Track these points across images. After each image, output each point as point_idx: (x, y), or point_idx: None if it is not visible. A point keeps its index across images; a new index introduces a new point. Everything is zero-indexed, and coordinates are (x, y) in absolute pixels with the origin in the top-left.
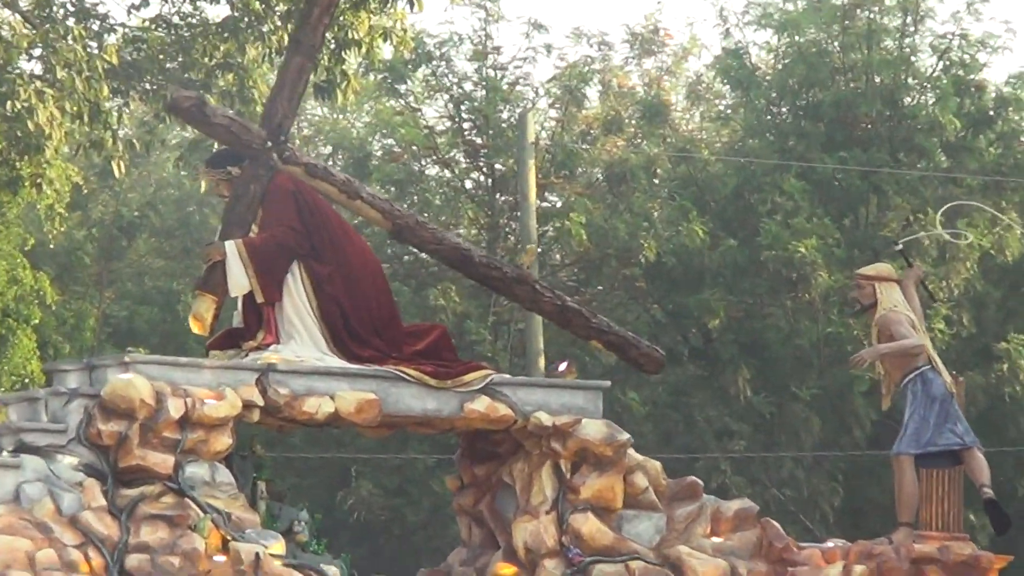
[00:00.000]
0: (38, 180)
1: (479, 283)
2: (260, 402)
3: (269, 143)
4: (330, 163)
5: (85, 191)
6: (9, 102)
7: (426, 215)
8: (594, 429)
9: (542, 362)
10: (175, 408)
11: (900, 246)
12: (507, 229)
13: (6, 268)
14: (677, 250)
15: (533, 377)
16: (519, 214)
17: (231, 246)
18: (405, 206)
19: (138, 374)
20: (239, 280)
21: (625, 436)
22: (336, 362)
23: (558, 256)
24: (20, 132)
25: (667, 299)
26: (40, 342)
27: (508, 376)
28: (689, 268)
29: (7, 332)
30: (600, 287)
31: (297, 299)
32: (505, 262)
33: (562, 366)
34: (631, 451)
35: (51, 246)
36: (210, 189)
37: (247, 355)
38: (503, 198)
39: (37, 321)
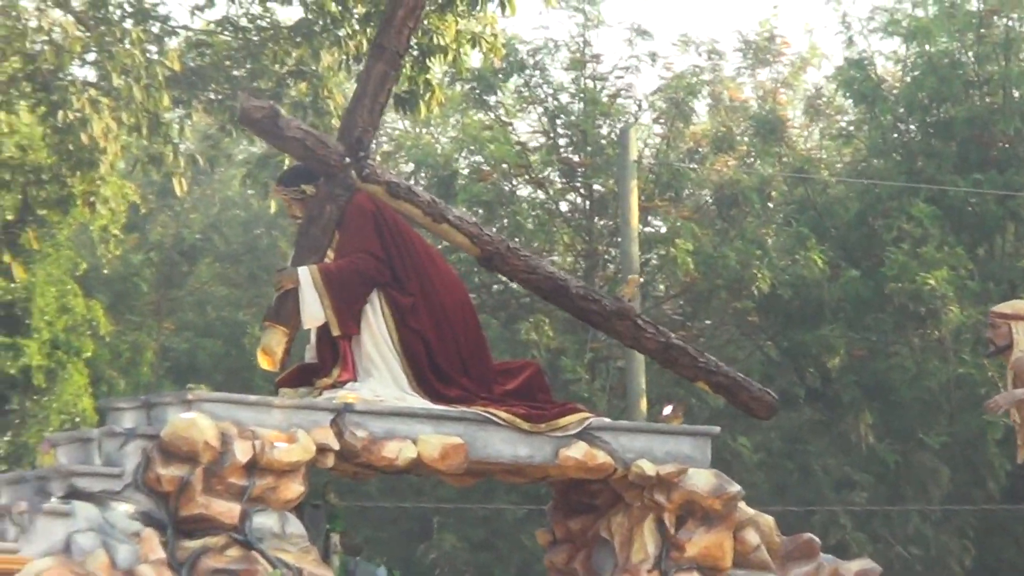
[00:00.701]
0: (91, 198)
1: (575, 317)
2: (335, 446)
3: (347, 159)
4: (412, 182)
5: (143, 211)
6: (61, 112)
7: (517, 240)
8: (702, 480)
9: (644, 404)
10: (242, 451)
11: None
12: (606, 256)
13: (56, 295)
14: (793, 281)
15: (635, 421)
16: (619, 240)
17: (305, 273)
18: (494, 230)
19: (202, 413)
20: (313, 311)
21: (736, 488)
22: (419, 402)
23: (662, 287)
24: (73, 145)
25: (782, 335)
26: (93, 377)
27: (608, 420)
28: (807, 301)
29: (57, 366)
30: (708, 321)
31: (377, 332)
32: (604, 294)
33: (667, 410)
34: (742, 504)
35: (105, 271)
36: (282, 209)
37: (321, 394)
38: (602, 222)
39: (89, 354)
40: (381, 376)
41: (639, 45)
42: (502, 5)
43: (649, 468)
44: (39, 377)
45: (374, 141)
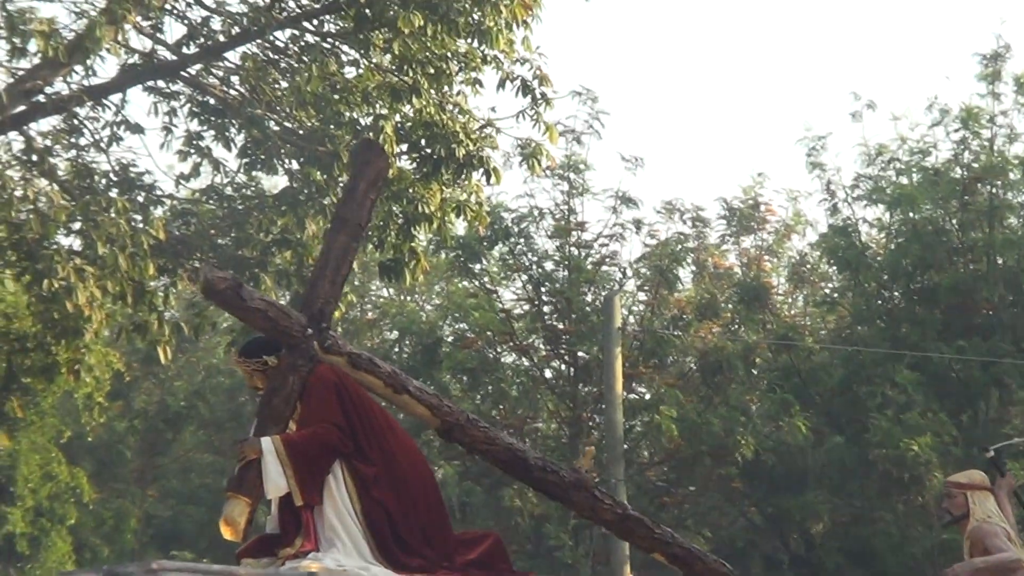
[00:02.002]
0: (76, 366)
1: (534, 488)
2: None
3: (310, 330)
4: (396, 349)
5: (127, 378)
6: (46, 280)
7: (502, 407)
8: None
9: (627, 570)
10: None
11: (991, 453)
12: (591, 423)
13: (40, 463)
14: (777, 447)
15: None
16: (604, 407)
17: (268, 443)
18: (479, 397)
19: None
20: (277, 481)
21: None
22: (382, 572)
23: (646, 453)
24: (57, 313)
25: (766, 502)
26: (76, 544)
27: None
28: (791, 468)
29: (40, 533)
30: (692, 488)
31: (340, 502)
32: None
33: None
34: None
35: (89, 439)
36: (245, 380)
37: (284, 564)
38: (586, 389)
39: (73, 521)
40: (344, 546)
41: (624, 213)
42: (487, 174)
43: None
44: (23, 544)
45: (358, 309)
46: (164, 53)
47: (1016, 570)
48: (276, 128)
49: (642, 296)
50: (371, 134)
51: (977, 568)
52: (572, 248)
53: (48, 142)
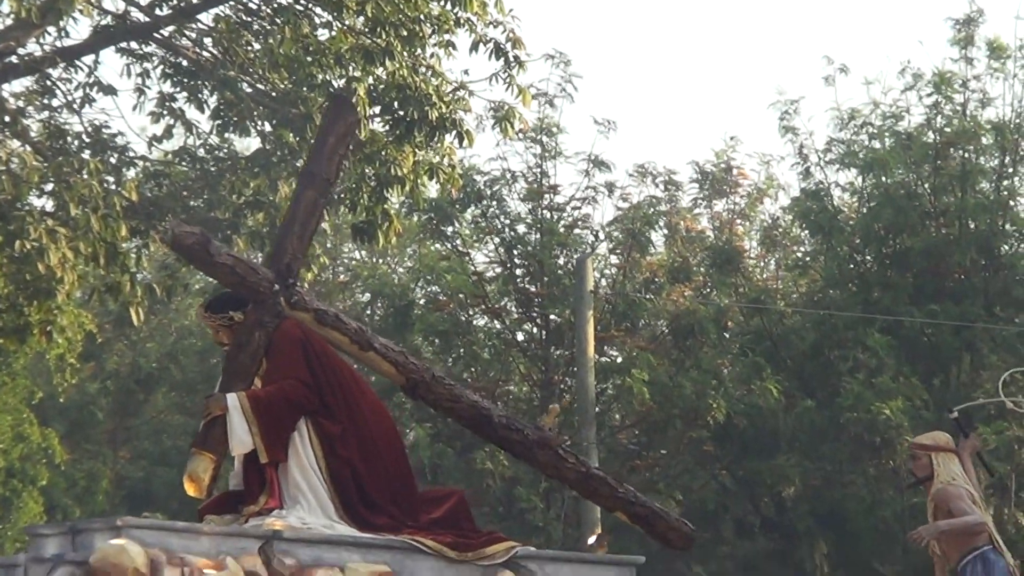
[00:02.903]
0: (48, 328)
1: (498, 446)
2: (264, 573)
3: (277, 286)
4: (368, 312)
5: (99, 340)
6: (18, 242)
7: (474, 370)
8: None
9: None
10: None
11: (955, 414)
12: (562, 386)
13: (11, 424)
14: (749, 411)
15: (560, 551)
16: (576, 370)
17: (233, 400)
18: (451, 360)
19: (130, 540)
20: (242, 438)
21: None
22: (346, 530)
23: (618, 416)
24: (29, 275)
25: (737, 465)
26: (48, 505)
27: (533, 549)
28: (762, 431)
29: (11, 495)
30: (664, 451)
31: (305, 460)
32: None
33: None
34: None
35: (61, 400)
36: (211, 336)
37: (247, 521)
38: (558, 352)
39: (44, 482)
40: (308, 504)
41: (596, 176)
42: (460, 137)
43: None
44: None
45: (329, 271)
46: (137, 15)
47: (980, 533)
48: (249, 90)
49: (614, 259)
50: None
51: (942, 530)
52: (544, 211)
53: (20, 103)
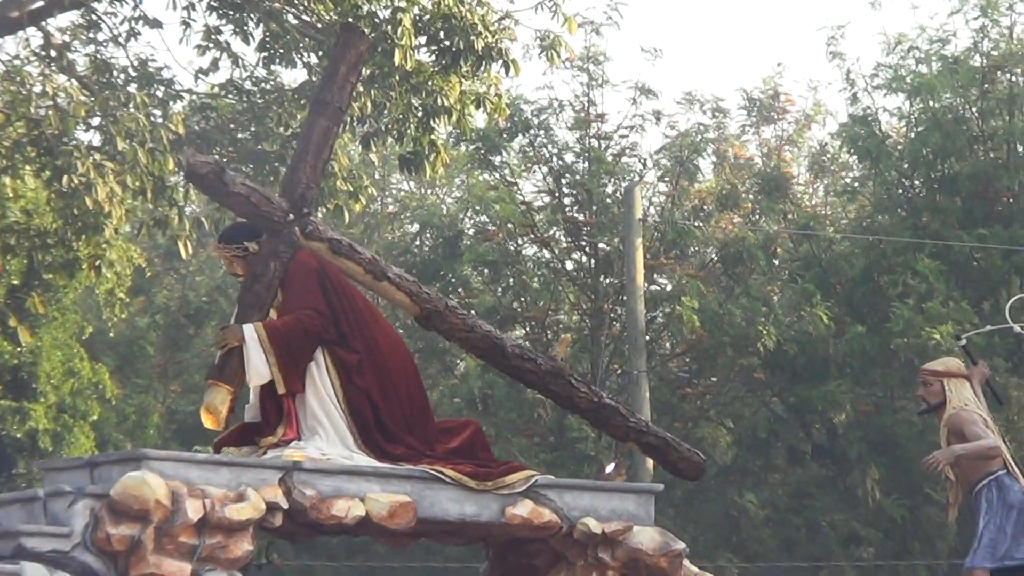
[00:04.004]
0: (97, 262)
1: (511, 376)
2: (284, 504)
3: (291, 216)
4: (417, 243)
5: (148, 274)
6: (65, 177)
7: (523, 299)
8: (647, 537)
9: (650, 463)
10: (193, 510)
11: (963, 341)
12: (612, 315)
13: (62, 359)
14: (799, 338)
15: (580, 480)
16: (625, 298)
17: (250, 330)
18: (500, 290)
19: (150, 472)
20: (259, 368)
21: (680, 545)
22: (365, 460)
23: (668, 344)
24: (77, 210)
25: (788, 392)
26: (99, 440)
27: (551, 477)
28: (812, 358)
29: (63, 429)
30: (714, 378)
31: (322, 390)
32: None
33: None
34: (686, 562)
35: (111, 335)
36: (225, 267)
37: (265, 452)
38: (607, 281)
39: (95, 417)
40: (327, 434)
41: (644, 104)
42: (506, 66)
43: (594, 526)
44: (45, 440)
45: (378, 202)
46: None
47: (995, 457)
48: (294, 22)
49: (662, 187)
50: (389, 27)
51: (957, 454)
52: (592, 140)
53: (67, 38)
